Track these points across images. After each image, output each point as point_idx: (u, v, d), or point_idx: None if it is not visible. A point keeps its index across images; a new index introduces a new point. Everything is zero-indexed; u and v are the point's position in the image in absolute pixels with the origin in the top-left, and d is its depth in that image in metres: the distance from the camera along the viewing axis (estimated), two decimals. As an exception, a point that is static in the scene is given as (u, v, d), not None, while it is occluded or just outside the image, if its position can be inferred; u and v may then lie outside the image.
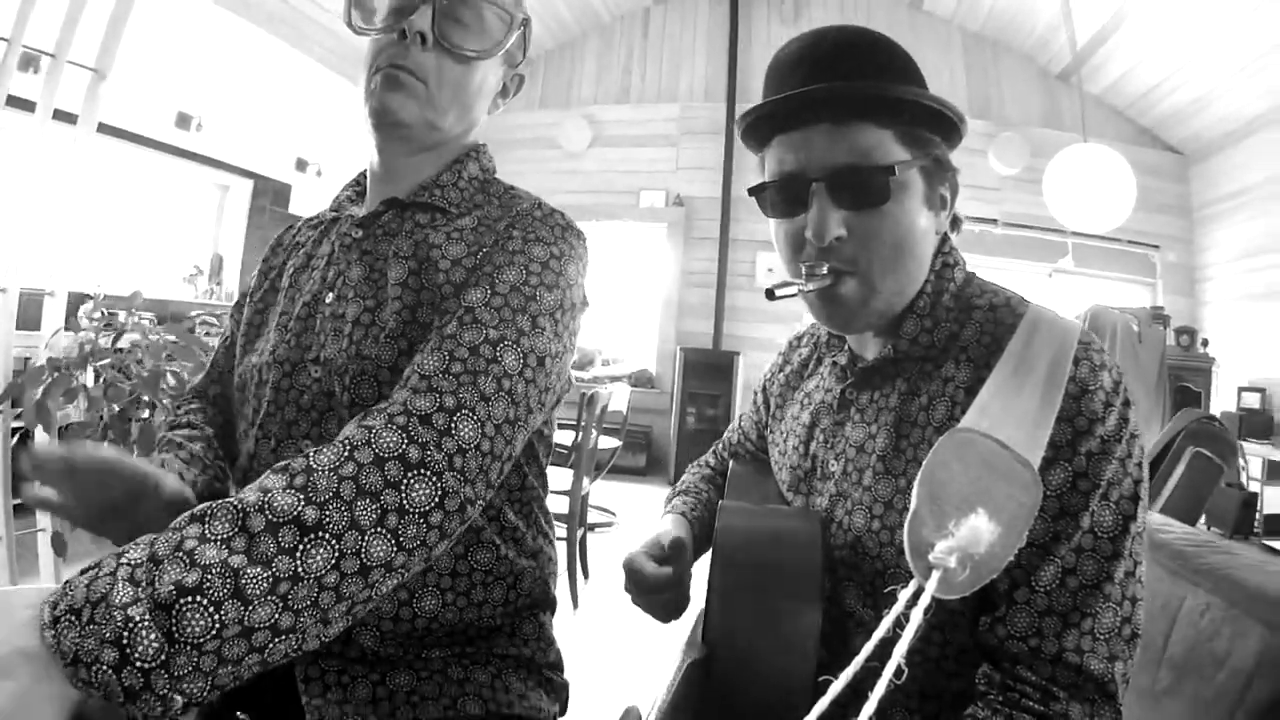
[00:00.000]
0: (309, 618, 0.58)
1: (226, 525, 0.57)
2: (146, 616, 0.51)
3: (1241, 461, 3.04)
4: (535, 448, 0.97)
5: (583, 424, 3.30)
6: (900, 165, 0.78)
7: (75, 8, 2.17)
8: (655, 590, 0.91)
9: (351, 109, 6.02)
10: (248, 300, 1.04)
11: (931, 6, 6.30)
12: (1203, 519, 3.02)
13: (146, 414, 2.03)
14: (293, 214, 6.08)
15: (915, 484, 0.68)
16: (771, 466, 1.09)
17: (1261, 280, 5.28)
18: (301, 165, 6.13)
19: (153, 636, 0.51)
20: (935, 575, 0.62)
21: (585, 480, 3.34)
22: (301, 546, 0.58)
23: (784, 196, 0.84)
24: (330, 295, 0.90)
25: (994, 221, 6.06)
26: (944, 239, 0.90)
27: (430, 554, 0.67)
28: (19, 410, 2.11)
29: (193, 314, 3.07)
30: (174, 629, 0.52)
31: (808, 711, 0.69)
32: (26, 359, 2.65)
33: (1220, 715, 0.98)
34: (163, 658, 0.51)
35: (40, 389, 1.99)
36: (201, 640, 0.52)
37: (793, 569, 0.82)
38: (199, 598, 0.53)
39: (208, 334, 2.68)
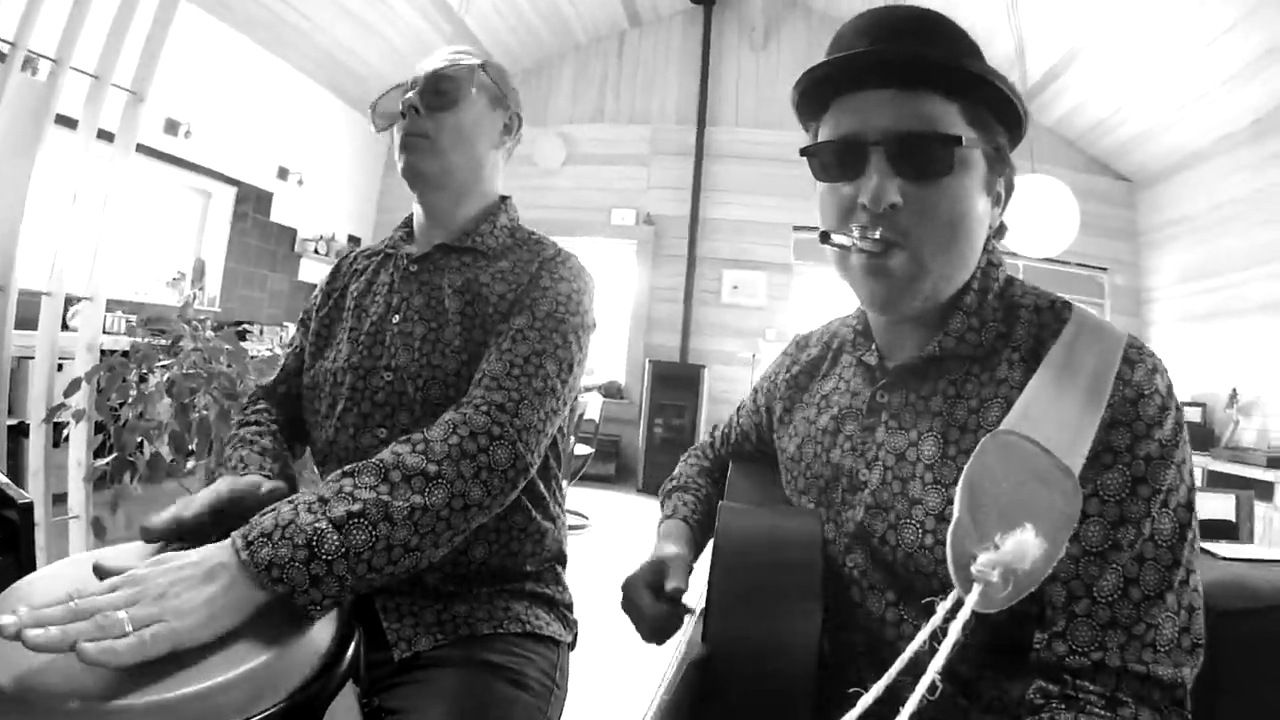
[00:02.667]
0: (429, 540, 0.86)
1: (373, 477, 0.85)
2: (327, 528, 0.77)
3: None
4: (558, 440, 1.24)
5: (563, 430, 3.48)
6: (968, 140, 0.77)
7: (119, 29, 2.34)
8: (647, 622, 0.94)
9: (331, 120, 6.16)
10: (314, 316, 1.28)
11: None
12: None
13: (205, 412, 2.21)
14: (274, 221, 6.20)
15: (957, 490, 0.66)
16: (780, 471, 1.06)
17: (1203, 303, 5.52)
18: (283, 174, 6.26)
19: (334, 538, 0.77)
20: (976, 589, 0.60)
21: (563, 483, 3.53)
22: (428, 489, 0.86)
23: (839, 159, 0.81)
24: (397, 316, 1.16)
25: None
26: (987, 239, 0.87)
27: (504, 500, 0.96)
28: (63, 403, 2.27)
29: (175, 316, 3.21)
30: (345, 540, 0.78)
31: (808, 712, 0.72)
32: (25, 358, 2.77)
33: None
34: (342, 550, 0.77)
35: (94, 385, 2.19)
36: (361, 549, 0.79)
37: (793, 569, 0.82)
38: (361, 519, 0.80)
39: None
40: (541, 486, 1.21)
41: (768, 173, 6.77)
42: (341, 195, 7.23)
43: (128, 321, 4.34)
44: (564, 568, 1.28)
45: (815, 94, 0.83)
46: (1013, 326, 0.82)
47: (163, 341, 2.35)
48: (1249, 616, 0.88)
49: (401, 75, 1.14)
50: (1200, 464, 4.75)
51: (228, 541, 0.76)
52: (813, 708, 0.72)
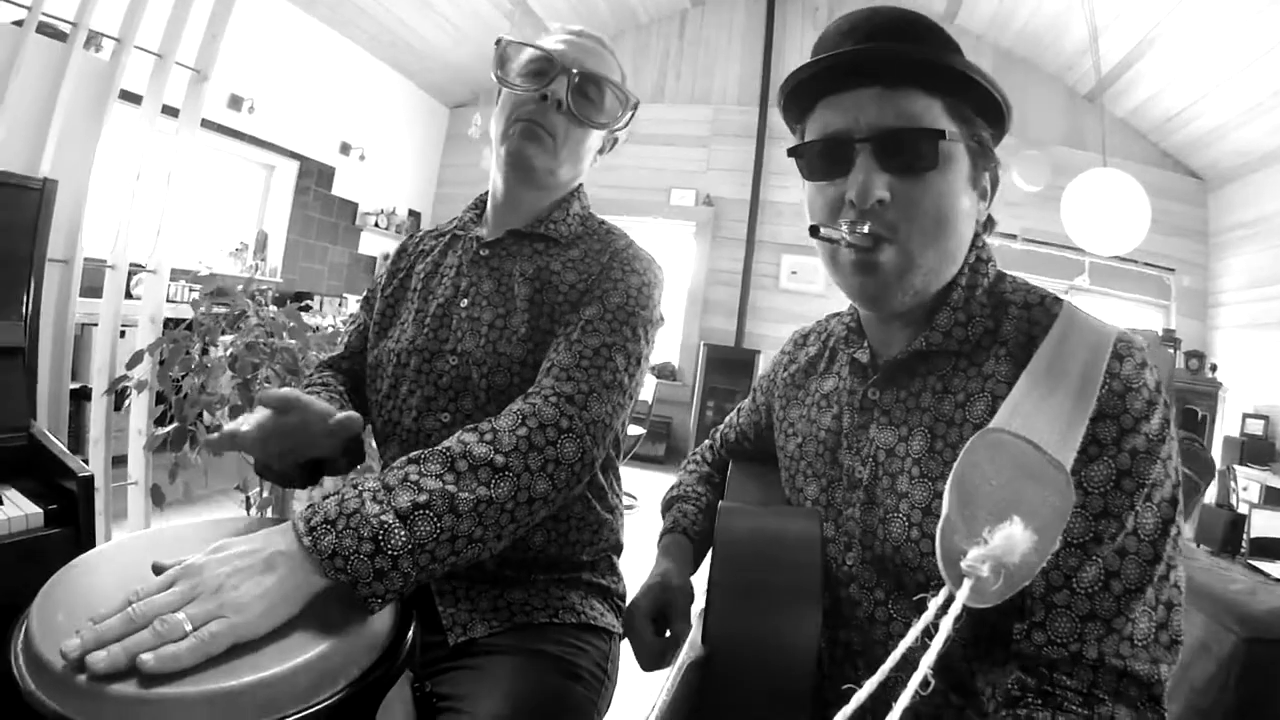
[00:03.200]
0: (491, 532, 0.84)
1: (439, 466, 0.83)
2: (393, 521, 0.76)
3: (1233, 484, 3.16)
4: (620, 430, 1.22)
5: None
6: (950, 135, 0.78)
7: (180, 11, 2.36)
8: (644, 652, 0.95)
9: (392, 96, 6.21)
10: (379, 294, 1.26)
11: (964, 21, 6.37)
12: (1191, 535, 3.19)
13: (266, 383, 2.25)
14: (335, 195, 6.29)
15: (946, 487, 0.66)
16: (780, 469, 1.07)
17: (1272, 309, 5.34)
18: (345, 149, 6.35)
19: (401, 532, 0.75)
20: (967, 584, 0.60)
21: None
22: (494, 481, 0.84)
23: (826, 158, 0.82)
24: (465, 301, 1.13)
25: (1014, 236, 6.17)
26: (976, 234, 0.88)
27: (570, 494, 0.93)
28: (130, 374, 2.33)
29: (238, 288, 3.28)
30: (410, 534, 0.76)
31: (807, 712, 0.73)
32: (89, 324, 2.84)
33: (1189, 696, 1.03)
34: (409, 546, 0.75)
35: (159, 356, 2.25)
36: (425, 542, 0.77)
37: (793, 569, 0.82)
38: (427, 511, 0.78)
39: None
40: (602, 478, 1.19)
41: None
42: (402, 170, 7.30)
43: (190, 291, 4.45)
44: (619, 557, 1.27)
45: (801, 96, 0.85)
46: (1001, 322, 0.82)
47: (224, 310, 2.38)
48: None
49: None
50: (1258, 479, 4.66)
51: (287, 525, 0.75)
52: (812, 707, 0.73)
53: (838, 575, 0.87)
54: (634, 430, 4.68)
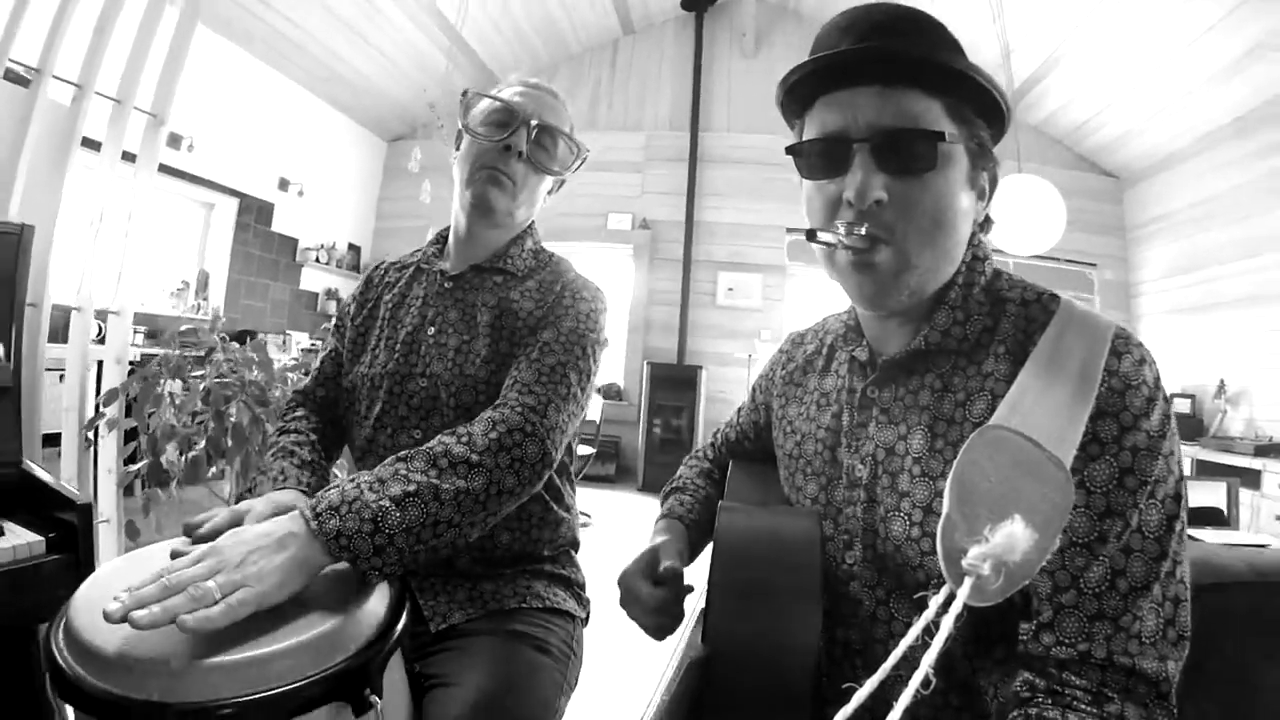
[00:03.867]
0: (468, 519, 0.98)
1: (424, 463, 0.97)
2: (389, 505, 0.89)
3: None
4: (572, 442, 1.36)
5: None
6: (950, 136, 0.77)
7: (138, 57, 2.43)
8: (650, 612, 0.94)
9: (330, 131, 6.23)
10: (349, 324, 1.37)
11: None
12: None
13: (234, 415, 2.31)
14: (275, 231, 6.27)
15: (946, 485, 0.66)
16: (779, 469, 1.07)
17: (1189, 295, 5.64)
18: (284, 184, 6.34)
19: (396, 514, 0.89)
20: (968, 582, 0.59)
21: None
22: (470, 475, 0.98)
23: (824, 157, 0.81)
24: (432, 329, 1.26)
25: None
26: (973, 233, 0.87)
27: (532, 488, 1.07)
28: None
29: (181, 329, 3.30)
30: (403, 514, 0.90)
31: (807, 711, 0.72)
32: (52, 369, 2.86)
33: None
34: (402, 525, 0.89)
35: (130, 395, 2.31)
36: (414, 525, 0.91)
37: (793, 568, 0.82)
38: (416, 498, 0.92)
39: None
40: (558, 481, 1.33)
41: (761, 176, 6.87)
42: (341, 205, 7.31)
43: (135, 331, 4.41)
44: (577, 552, 1.41)
45: (799, 92, 0.84)
46: (999, 320, 0.82)
47: (197, 354, 2.45)
48: (1212, 592, 0.90)
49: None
50: (1189, 454, 4.84)
51: (295, 513, 0.88)
52: (813, 707, 0.73)
53: (838, 574, 0.87)
54: (584, 450, 4.77)
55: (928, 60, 0.77)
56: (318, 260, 6.86)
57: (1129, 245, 6.50)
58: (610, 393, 7.02)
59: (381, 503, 0.90)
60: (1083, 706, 0.65)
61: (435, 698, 1.02)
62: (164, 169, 4.95)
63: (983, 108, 0.80)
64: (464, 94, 1.29)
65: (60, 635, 0.75)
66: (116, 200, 2.47)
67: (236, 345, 2.58)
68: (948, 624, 0.56)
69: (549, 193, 1.37)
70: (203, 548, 0.81)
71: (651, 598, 0.93)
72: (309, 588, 0.85)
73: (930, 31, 0.81)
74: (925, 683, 0.53)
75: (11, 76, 2.13)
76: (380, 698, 0.79)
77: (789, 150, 0.85)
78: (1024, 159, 5.06)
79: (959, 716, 0.78)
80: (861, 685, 0.55)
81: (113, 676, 0.69)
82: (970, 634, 0.75)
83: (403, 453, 0.99)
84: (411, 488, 0.93)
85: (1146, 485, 0.68)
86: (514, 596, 1.23)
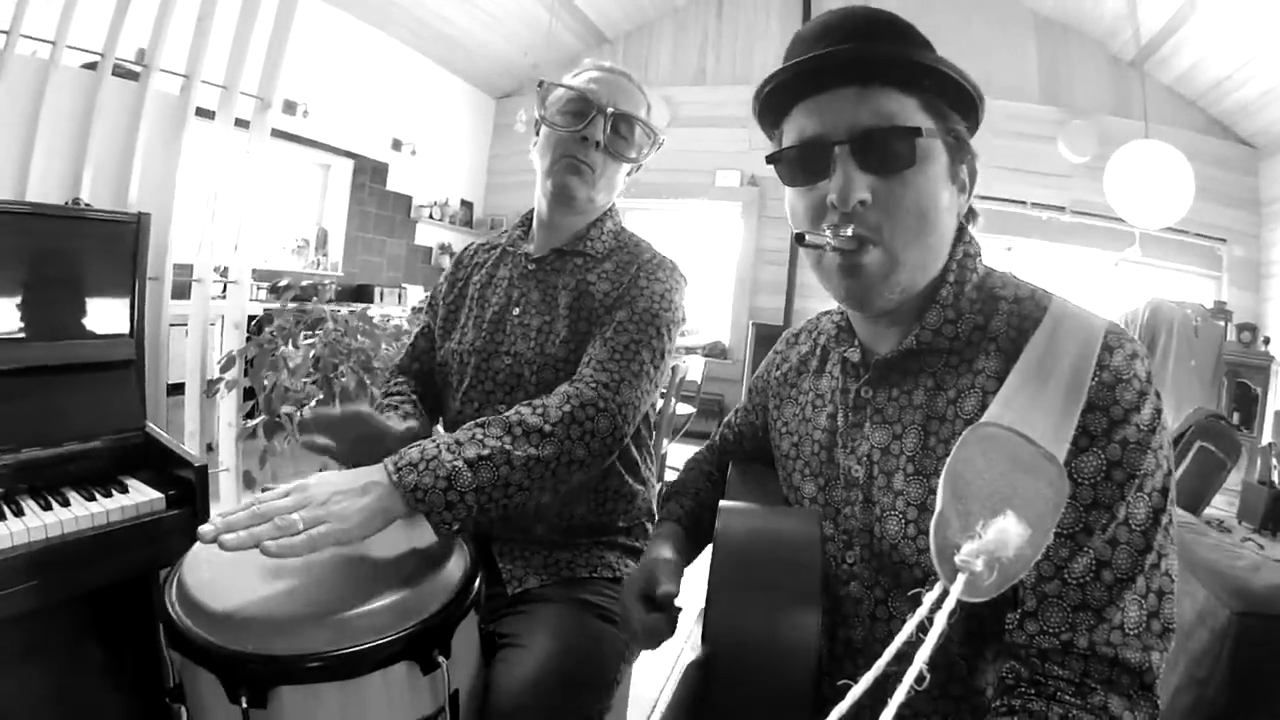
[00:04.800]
0: (537, 485, 1.06)
1: (499, 430, 1.05)
2: (463, 466, 0.97)
3: (1275, 460, 3.14)
4: (650, 416, 1.42)
5: (664, 392, 3.67)
6: (926, 130, 0.78)
7: (240, 46, 2.60)
8: (641, 635, 0.96)
9: (440, 92, 6.36)
10: (440, 301, 1.47)
11: None
12: (1232, 510, 3.18)
13: (346, 380, 2.52)
14: (390, 190, 6.52)
15: (939, 482, 0.66)
16: (776, 469, 1.08)
17: None
18: (397, 145, 6.56)
19: (468, 474, 0.97)
20: (961, 578, 0.59)
21: (665, 442, 3.73)
22: (542, 444, 1.06)
23: (805, 163, 0.82)
24: (516, 309, 1.33)
25: (1062, 209, 6.03)
26: (962, 229, 0.88)
27: (603, 461, 1.15)
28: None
29: (302, 283, 3.47)
30: (475, 475, 0.98)
31: (808, 711, 0.73)
32: (175, 325, 3.12)
33: (1188, 666, 1.03)
34: (473, 485, 0.98)
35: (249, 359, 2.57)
36: (485, 485, 0.99)
37: (792, 568, 0.82)
38: (489, 461, 1.00)
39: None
40: (635, 454, 1.39)
41: None
42: (453, 162, 7.50)
43: (257, 289, 4.71)
44: (653, 524, 1.43)
45: (775, 102, 0.85)
46: (990, 318, 0.82)
47: (300, 311, 2.70)
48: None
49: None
50: None
51: (378, 466, 0.97)
52: (814, 706, 0.73)
53: (838, 574, 0.89)
54: (684, 409, 4.83)
55: (900, 58, 0.79)
56: (431, 217, 7.10)
57: (1263, 221, 5.88)
58: (714, 350, 7.02)
59: (456, 463, 0.98)
60: (1066, 697, 0.66)
61: (504, 656, 1.11)
62: (281, 134, 5.23)
63: (956, 101, 0.81)
64: (539, 85, 1.33)
65: (173, 591, 0.88)
66: (230, 171, 2.67)
67: (346, 312, 2.76)
68: (941, 620, 0.57)
69: (628, 175, 1.40)
70: (292, 484, 0.92)
71: (643, 623, 0.95)
72: (393, 550, 0.97)
73: (901, 30, 0.82)
74: (919, 679, 0.53)
75: (120, 71, 2.29)
76: (448, 657, 0.89)
77: (769, 159, 0.87)
78: (1151, 121, 4.65)
79: (958, 708, 0.79)
80: (857, 683, 0.56)
81: (216, 630, 0.82)
82: (964, 630, 0.76)
83: (482, 419, 1.08)
84: (485, 451, 1.01)
85: (1135, 479, 0.69)
86: (586, 566, 1.31)
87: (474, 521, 1.01)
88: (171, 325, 3.16)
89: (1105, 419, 0.70)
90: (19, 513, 1.35)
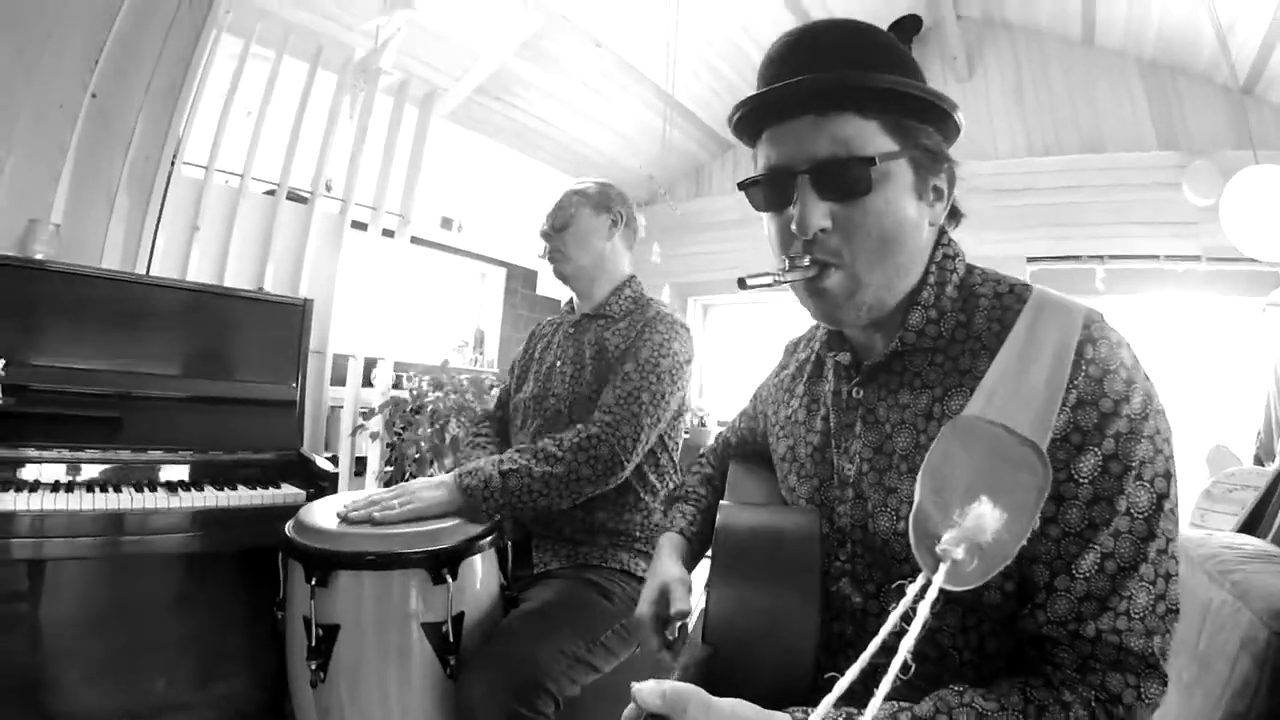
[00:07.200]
0: (554, 493, 1.55)
1: (529, 454, 1.57)
2: (498, 476, 1.52)
3: None
4: (666, 443, 1.79)
5: (665, 435, 4.09)
6: (883, 156, 0.76)
7: (383, 179, 3.43)
8: (661, 648, 1.04)
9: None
10: (518, 364, 1.97)
11: (1102, 40, 6.00)
12: None
13: (456, 432, 3.20)
14: (540, 295, 7.24)
15: (919, 477, 0.66)
16: (776, 471, 1.08)
17: None
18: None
19: (500, 482, 1.52)
20: (943, 567, 0.59)
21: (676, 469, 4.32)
22: (555, 464, 1.55)
23: (771, 190, 0.82)
24: (560, 363, 1.79)
25: (1197, 258, 5.51)
26: (942, 231, 0.88)
27: (607, 480, 1.58)
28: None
29: (462, 376, 4.12)
30: (505, 483, 1.50)
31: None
32: (337, 407, 3.86)
33: (1229, 701, 1.03)
34: (504, 489, 1.52)
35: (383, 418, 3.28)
36: (513, 490, 1.52)
37: (792, 567, 0.82)
38: (516, 473, 1.54)
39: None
40: (651, 475, 1.76)
41: (994, 205, 6.32)
42: (594, 267, 8.08)
43: (421, 380, 5.52)
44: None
45: (747, 126, 0.87)
46: (973, 315, 0.83)
47: (431, 385, 3.42)
48: None
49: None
50: None
51: (449, 475, 1.54)
52: (810, 702, 0.70)
53: (831, 570, 0.89)
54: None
55: (853, 84, 0.77)
56: (574, 315, 7.68)
57: None
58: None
59: (494, 474, 1.50)
60: (1069, 673, 0.68)
61: (515, 609, 1.54)
62: (440, 246, 6.06)
63: (925, 115, 0.81)
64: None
65: (290, 525, 1.43)
66: (378, 276, 3.46)
67: (464, 380, 3.45)
68: (924, 610, 0.57)
69: (614, 230, 1.84)
70: (399, 486, 1.47)
71: (657, 646, 1.04)
72: (450, 524, 1.45)
73: (862, 50, 0.80)
74: (904, 668, 0.53)
75: (293, 196, 3.13)
76: (454, 579, 1.33)
77: (740, 186, 0.88)
78: (1260, 147, 4.43)
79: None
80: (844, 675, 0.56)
81: (306, 536, 1.37)
82: (961, 624, 0.78)
83: (520, 446, 1.58)
84: (515, 467, 1.51)
85: (1132, 469, 0.69)
86: (599, 558, 1.69)
87: (511, 516, 1.49)
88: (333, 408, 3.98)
89: (1096, 413, 0.70)
90: (200, 489, 1.93)
